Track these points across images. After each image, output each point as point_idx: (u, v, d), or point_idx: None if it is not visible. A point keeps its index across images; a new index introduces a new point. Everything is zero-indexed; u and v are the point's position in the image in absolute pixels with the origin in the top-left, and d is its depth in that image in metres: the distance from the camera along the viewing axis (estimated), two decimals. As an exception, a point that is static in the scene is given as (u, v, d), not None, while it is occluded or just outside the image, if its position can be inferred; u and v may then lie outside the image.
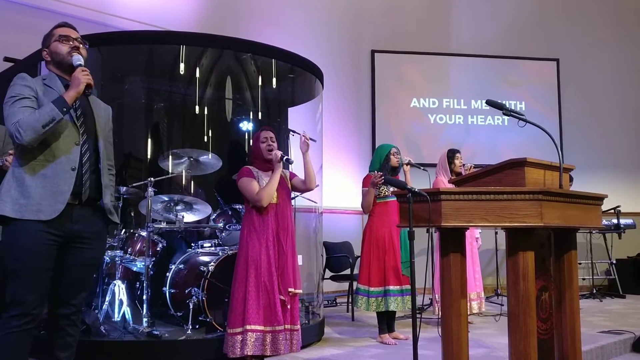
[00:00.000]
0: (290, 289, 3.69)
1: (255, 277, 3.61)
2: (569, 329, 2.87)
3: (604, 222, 7.35)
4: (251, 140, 3.82)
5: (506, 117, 2.98)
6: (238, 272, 3.68)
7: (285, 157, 3.73)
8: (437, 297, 5.18)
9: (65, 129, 2.49)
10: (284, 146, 5.18)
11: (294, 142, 5.18)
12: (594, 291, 7.54)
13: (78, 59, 2.57)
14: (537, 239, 2.76)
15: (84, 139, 2.55)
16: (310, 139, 3.78)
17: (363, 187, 4.63)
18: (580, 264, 7.33)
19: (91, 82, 2.53)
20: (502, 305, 6.04)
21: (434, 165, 5.50)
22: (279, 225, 3.72)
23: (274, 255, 3.66)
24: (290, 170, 4.15)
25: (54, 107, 2.40)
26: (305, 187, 3.94)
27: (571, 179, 5.87)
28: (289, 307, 3.67)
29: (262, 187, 3.69)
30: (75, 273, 2.56)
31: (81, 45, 2.64)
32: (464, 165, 5.38)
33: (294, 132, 5.15)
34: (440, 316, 2.72)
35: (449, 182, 5.17)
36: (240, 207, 4.82)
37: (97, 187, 2.60)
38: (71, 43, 2.61)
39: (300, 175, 3.98)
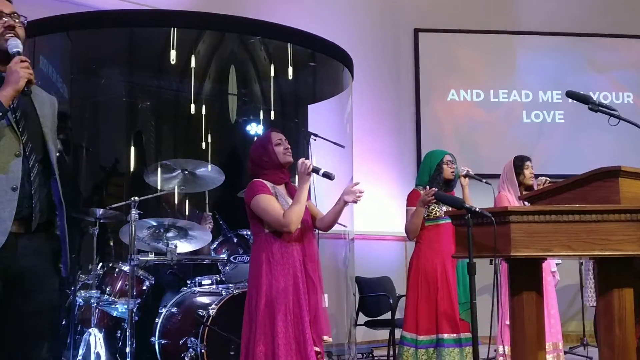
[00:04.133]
0: (325, 337, 3.48)
1: (285, 326, 3.35)
2: (681, 390, 2.83)
3: None
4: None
5: (592, 113, 2.95)
6: (259, 321, 3.39)
7: (323, 170, 3.50)
8: (504, 349, 5.11)
9: (1, 137, 2.39)
10: (302, 153, 5.19)
11: (315, 149, 5.20)
12: None
13: (15, 44, 2.44)
14: (638, 272, 2.73)
15: (29, 148, 2.46)
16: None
17: (408, 206, 4.64)
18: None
19: (32, 77, 2.42)
20: (590, 358, 5.95)
21: (499, 177, 5.46)
22: (305, 253, 3.50)
23: (304, 293, 3.43)
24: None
25: None
26: (319, 225, 3.73)
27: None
28: None
29: (287, 207, 3.46)
30: (28, 320, 2.46)
31: (18, 24, 2.52)
32: (536, 177, 5.33)
33: (316, 136, 5.16)
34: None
35: (519, 198, 5.13)
36: (248, 233, 4.82)
37: (50, 209, 2.53)
38: (4, 20, 2.48)
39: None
